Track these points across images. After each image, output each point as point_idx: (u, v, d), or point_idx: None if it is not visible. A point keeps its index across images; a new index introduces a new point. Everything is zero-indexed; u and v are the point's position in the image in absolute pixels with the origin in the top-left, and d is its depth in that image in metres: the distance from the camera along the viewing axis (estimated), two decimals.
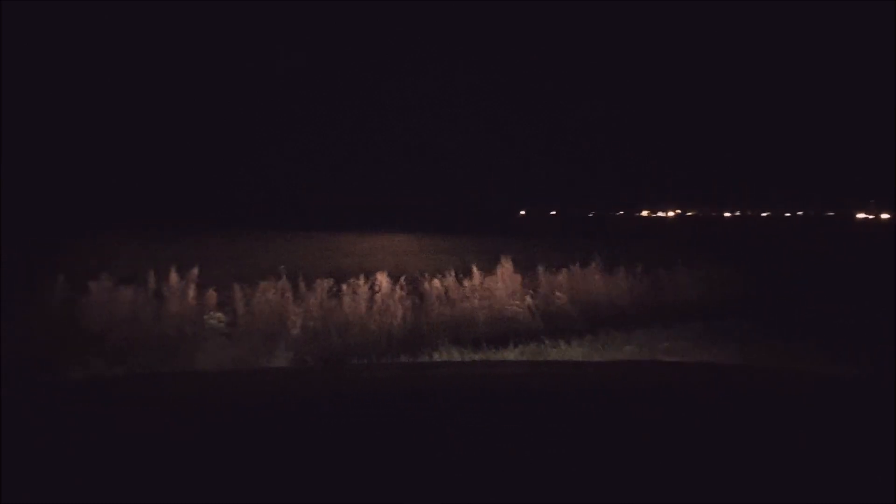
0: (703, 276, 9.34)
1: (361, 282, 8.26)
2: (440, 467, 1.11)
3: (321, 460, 1.17)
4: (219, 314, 6.60)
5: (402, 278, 8.48)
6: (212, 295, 7.71)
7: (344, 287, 8.19)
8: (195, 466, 1.14)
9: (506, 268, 9.17)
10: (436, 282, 8.80)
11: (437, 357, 5.71)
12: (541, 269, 9.28)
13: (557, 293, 8.47)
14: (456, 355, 5.72)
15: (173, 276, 7.86)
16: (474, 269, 9.11)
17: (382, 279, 8.41)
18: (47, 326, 6.50)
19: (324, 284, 8.14)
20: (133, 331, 6.79)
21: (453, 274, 8.96)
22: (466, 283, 8.93)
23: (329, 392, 1.71)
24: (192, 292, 7.67)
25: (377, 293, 8.16)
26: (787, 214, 75.06)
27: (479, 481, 1.06)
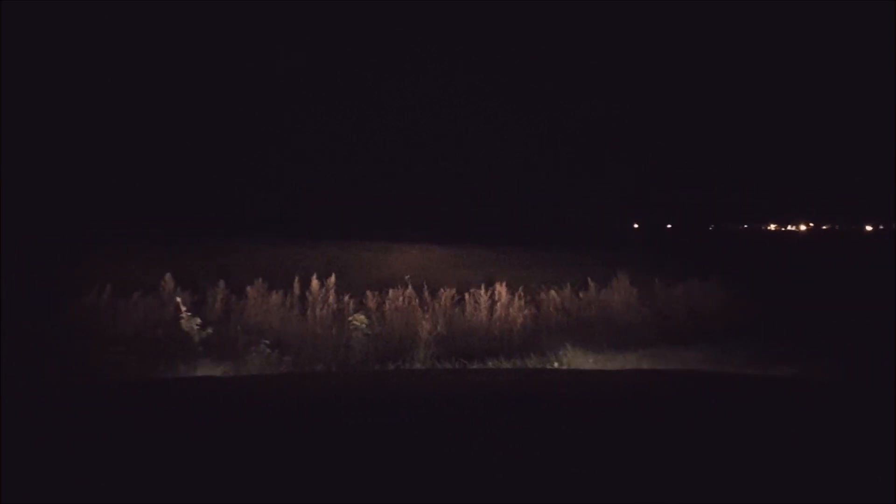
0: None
1: (482, 291, 9.21)
2: (448, 469, 1.25)
3: (325, 460, 1.31)
4: (361, 316, 7.67)
5: (521, 288, 9.34)
6: (348, 301, 8.89)
7: (466, 296, 9.18)
8: (195, 468, 1.26)
9: (622, 280, 9.83)
10: (553, 293, 9.60)
11: (562, 358, 6.49)
12: (657, 282, 9.85)
13: (674, 305, 9.01)
14: (580, 357, 6.47)
15: (314, 283, 9.11)
16: (590, 281, 9.83)
17: (501, 289, 9.30)
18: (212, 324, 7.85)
19: (447, 293, 9.16)
20: (286, 330, 8.03)
21: (569, 286, 9.73)
22: (583, 294, 9.67)
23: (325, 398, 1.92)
24: (332, 297, 8.88)
25: (497, 302, 9.07)
26: None
27: (486, 481, 1.18)
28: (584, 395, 1.94)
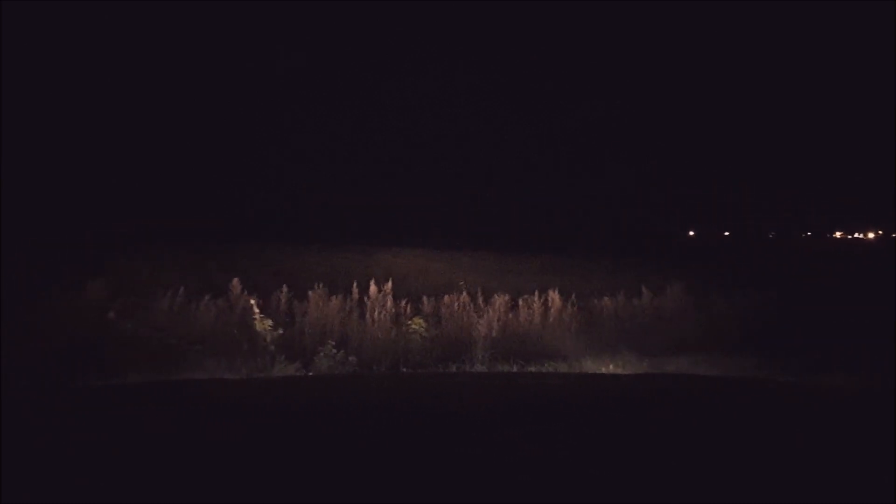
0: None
1: (536, 298, 9.58)
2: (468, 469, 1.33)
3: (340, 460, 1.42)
4: (419, 320, 8.11)
5: (574, 295, 9.68)
6: (405, 305, 9.35)
7: (520, 302, 9.56)
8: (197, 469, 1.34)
9: (676, 287, 10.08)
10: (606, 299, 9.91)
11: (618, 362, 6.81)
12: (712, 289, 10.06)
13: (729, 312, 9.23)
14: (634, 362, 6.78)
15: (373, 288, 9.61)
16: (644, 288, 10.10)
17: (554, 296, 9.66)
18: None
19: (501, 298, 9.56)
20: (347, 332, 8.55)
21: (623, 293, 10.02)
22: (637, 301, 9.95)
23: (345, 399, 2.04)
24: (389, 302, 9.36)
25: (551, 308, 9.43)
26: None
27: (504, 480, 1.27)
28: (628, 399, 2.04)
